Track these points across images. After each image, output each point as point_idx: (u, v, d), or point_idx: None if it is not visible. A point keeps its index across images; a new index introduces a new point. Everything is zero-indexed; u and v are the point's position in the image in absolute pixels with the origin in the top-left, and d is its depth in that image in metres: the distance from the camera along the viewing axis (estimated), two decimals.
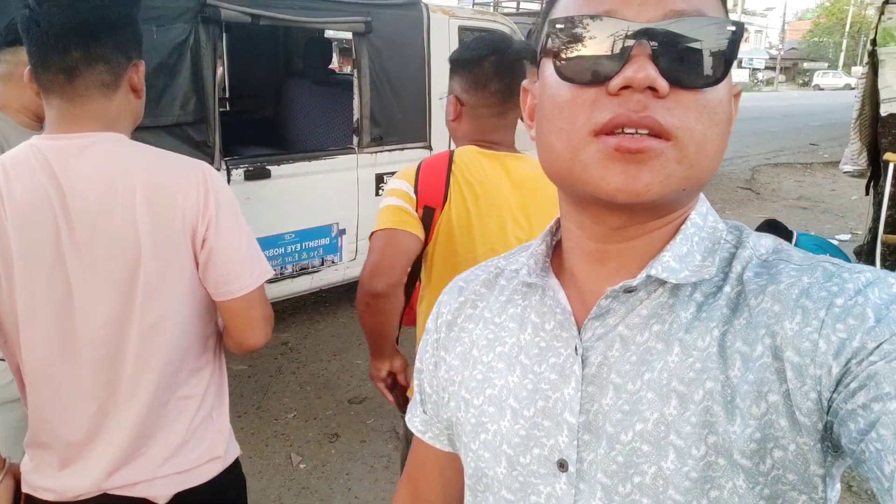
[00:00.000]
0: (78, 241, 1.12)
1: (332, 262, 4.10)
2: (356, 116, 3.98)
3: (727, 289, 0.58)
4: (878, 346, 0.48)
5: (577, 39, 0.56)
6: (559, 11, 0.59)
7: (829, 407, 0.50)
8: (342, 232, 4.11)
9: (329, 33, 5.33)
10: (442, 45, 4.34)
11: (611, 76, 0.53)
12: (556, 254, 0.71)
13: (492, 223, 1.52)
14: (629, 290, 0.60)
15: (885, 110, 4.28)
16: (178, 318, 1.19)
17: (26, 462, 1.22)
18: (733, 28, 0.54)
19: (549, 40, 0.58)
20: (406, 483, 0.87)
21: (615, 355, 0.60)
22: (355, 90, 3.95)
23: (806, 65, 60.51)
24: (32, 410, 1.20)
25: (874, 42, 4.28)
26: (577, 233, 0.64)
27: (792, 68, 61.90)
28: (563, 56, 0.56)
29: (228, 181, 3.47)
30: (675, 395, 0.56)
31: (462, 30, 4.46)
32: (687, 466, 0.54)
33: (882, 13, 4.21)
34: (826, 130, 16.40)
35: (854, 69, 53.69)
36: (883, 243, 4.17)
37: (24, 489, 1.21)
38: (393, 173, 4.15)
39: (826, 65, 57.63)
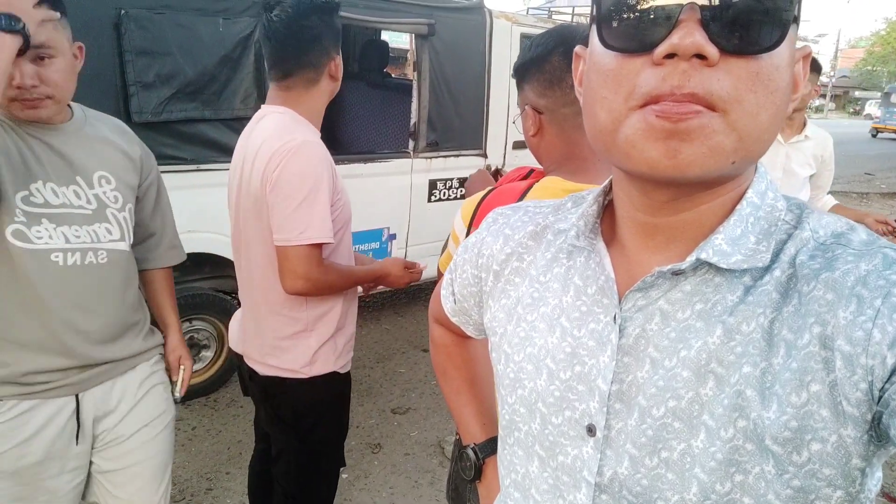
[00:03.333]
0: (242, 182, 1.65)
1: None
2: (413, 120, 3.90)
3: (777, 272, 0.56)
4: None
5: (623, 5, 0.53)
6: None
7: (881, 397, 0.49)
8: (392, 237, 4.02)
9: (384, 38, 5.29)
10: (503, 52, 4.25)
11: (656, 43, 0.50)
12: (607, 214, 0.70)
13: None
14: (677, 273, 0.58)
15: None
16: (265, 249, 1.62)
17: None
18: None
19: (595, 6, 0.56)
20: (436, 321, 1.06)
21: (654, 329, 0.60)
22: (414, 93, 3.87)
23: (857, 93, 59.06)
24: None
25: None
26: (626, 202, 0.63)
27: (843, 96, 60.49)
28: (608, 23, 0.54)
29: None
30: (712, 377, 0.56)
31: (524, 37, 4.36)
32: (714, 447, 0.54)
33: None
34: (881, 160, 15.88)
35: None
36: None
37: None
38: (446, 181, 4.13)
39: (878, 94, 56.10)
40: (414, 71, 3.88)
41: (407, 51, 8.71)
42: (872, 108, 45.69)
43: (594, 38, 0.57)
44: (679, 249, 0.60)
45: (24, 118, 1.34)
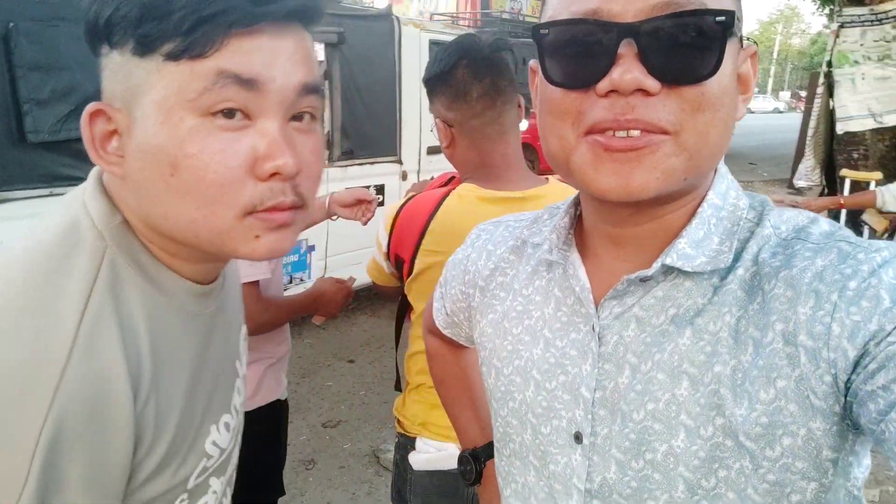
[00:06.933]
0: None
1: (301, 279, 3.95)
2: (327, 129, 3.87)
3: (741, 271, 0.57)
4: (895, 328, 0.47)
5: (563, 44, 0.55)
6: (547, 13, 0.58)
7: (848, 388, 0.50)
8: (311, 248, 3.97)
9: None
10: (413, 58, 4.29)
11: (597, 79, 0.52)
12: (581, 224, 0.70)
13: None
14: (646, 280, 0.60)
15: (840, 129, 4.44)
16: None
17: None
18: (722, 18, 0.51)
19: (536, 41, 0.57)
20: (426, 328, 1.05)
21: (630, 335, 0.61)
22: (326, 102, 3.84)
23: None
24: None
25: (830, 64, 4.44)
26: (593, 215, 0.65)
27: None
28: (550, 58, 0.56)
29: None
30: (686, 377, 0.57)
31: (433, 43, 4.41)
32: (696, 446, 0.56)
33: (837, 36, 4.39)
34: (763, 151, 17.09)
35: (781, 94, 56.53)
36: None
37: None
38: (364, 189, 4.11)
39: (756, 89, 60.22)
40: (325, 80, 3.85)
41: None
42: (751, 102, 48.94)
43: (540, 69, 0.58)
44: (648, 256, 0.61)
45: (259, 255, 0.62)
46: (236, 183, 0.58)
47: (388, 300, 1.63)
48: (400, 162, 4.34)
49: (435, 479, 1.45)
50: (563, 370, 0.65)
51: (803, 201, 3.42)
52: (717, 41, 0.51)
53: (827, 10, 4.29)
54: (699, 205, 0.60)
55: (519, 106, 1.37)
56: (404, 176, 4.42)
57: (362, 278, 1.96)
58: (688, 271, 0.58)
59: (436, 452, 1.43)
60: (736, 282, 0.57)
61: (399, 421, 1.52)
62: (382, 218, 1.40)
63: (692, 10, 0.51)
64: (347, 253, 4.09)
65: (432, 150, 4.58)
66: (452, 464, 1.42)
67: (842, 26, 4.39)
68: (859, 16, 4.42)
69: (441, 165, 4.63)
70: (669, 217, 0.60)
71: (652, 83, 0.50)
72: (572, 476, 0.64)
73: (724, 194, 0.61)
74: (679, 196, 0.58)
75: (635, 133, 0.52)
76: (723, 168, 0.62)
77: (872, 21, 4.38)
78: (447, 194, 1.33)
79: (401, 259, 1.36)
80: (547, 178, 1.41)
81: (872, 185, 4.35)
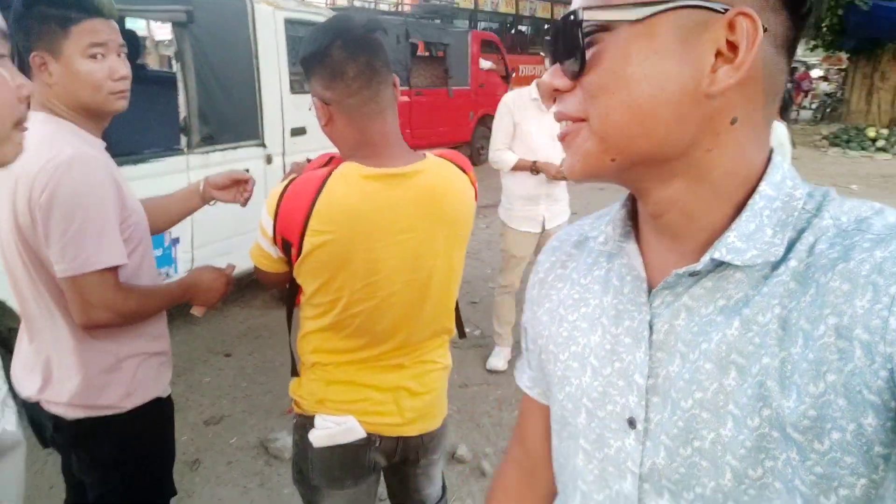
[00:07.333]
0: None
1: (167, 274, 3.73)
2: (183, 115, 3.66)
3: (794, 262, 0.57)
4: None
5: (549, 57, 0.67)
6: None
7: None
8: (175, 241, 3.75)
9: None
10: (269, 38, 4.14)
11: None
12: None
13: (385, 253, 1.37)
14: (694, 274, 0.61)
15: None
16: (37, 287, 1.43)
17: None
18: (572, 17, 0.58)
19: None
20: (516, 438, 0.95)
21: (681, 324, 0.63)
22: (180, 86, 3.62)
23: None
24: None
25: None
26: (639, 202, 0.69)
27: None
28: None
29: None
30: (734, 367, 0.58)
31: (288, 22, 4.28)
32: (742, 435, 0.57)
33: None
34: None
35: None
36: None
37: None
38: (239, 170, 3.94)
39: None
40: (176, 61, 3.63)
41: (145, 38, 8.04)
42: None
43: None
44: (691, 245, 0.63)
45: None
46: (14, 105, 0.96)
47: (273, 287, 1.58)
48: (263, 145, 4.20)
49: (336, 452, 1.47)
50: (618, 357, 0.67)
51: None
52: (576, 36, 0.58)
53: None
54: (748, 195, 0.60)
55: (394, 85, 1.40)
56: (269, 159, 4.28)
57: (238, 267, 1.90)
58: (738, 265, 0.58)
59: (335, 427, 1.44)
60: (788, 273, 0.57)
61: (296, 402, 1.52)
62: (265, 203, 1.38)
63: (567, 15, 0.59)
64: (215, 243, 3.92)
65: (296, 132, 4.47)
66: (352, 436, 1.45)
67: None
68: None
69: (306, 146, 4.53)
70: (684, 204, 0.61)
71: (559, 81, 0.61)
72: (626, 460, 0.66)
73: (779, 184, 0.60)
74: (655, 177, 0.61)
75: (562, 124, 0.62)
76: (777, 158, 0.62)
77: None
78: (329, 174, 1.34)
79: (288, 242, 1.34)
80: (425, 154, 1.45)
81: None
